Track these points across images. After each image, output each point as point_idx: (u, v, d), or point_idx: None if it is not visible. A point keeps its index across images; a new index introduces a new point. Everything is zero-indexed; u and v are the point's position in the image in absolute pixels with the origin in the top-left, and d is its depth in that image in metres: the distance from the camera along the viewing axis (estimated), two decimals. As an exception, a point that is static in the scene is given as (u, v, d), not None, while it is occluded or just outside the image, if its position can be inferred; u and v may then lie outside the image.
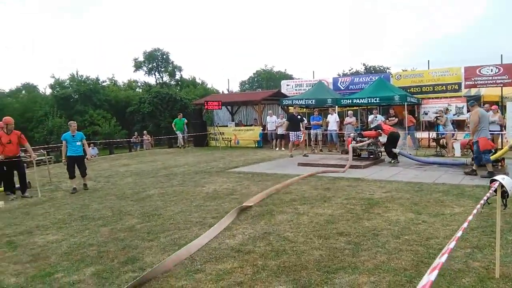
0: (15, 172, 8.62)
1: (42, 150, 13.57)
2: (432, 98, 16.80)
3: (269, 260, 3.94)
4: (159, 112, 33.77)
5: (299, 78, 28.79)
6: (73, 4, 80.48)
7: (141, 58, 47.69)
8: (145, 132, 24.54)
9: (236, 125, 20.39)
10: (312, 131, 15.55)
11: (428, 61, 26.82)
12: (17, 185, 8.78)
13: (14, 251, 4.73)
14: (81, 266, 4.10)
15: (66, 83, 38.11)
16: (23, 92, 45.23)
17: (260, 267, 3.77)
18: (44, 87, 48.49)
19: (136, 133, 25.10)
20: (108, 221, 5.85)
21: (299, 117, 13.76)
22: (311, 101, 16.17)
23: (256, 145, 17.76)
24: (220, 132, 18.83)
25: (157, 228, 5.33)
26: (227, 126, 20.28)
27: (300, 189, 7.53)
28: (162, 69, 48.95)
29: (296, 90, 21.10)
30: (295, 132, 13.34)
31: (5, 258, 4.50)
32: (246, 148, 17.52)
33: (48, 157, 12.34)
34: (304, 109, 18.50)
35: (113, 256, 4.33)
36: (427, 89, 17.37)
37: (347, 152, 11.62)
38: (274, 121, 16.90)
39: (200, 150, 17.86)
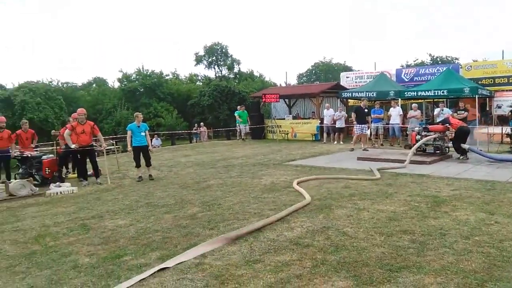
0: (88, 160, 9.29)
1: (111, 140, 14.51)
2: (506, 90, 15.52)
3: (328, 255, 3.89)
4: (218, 104, 34.53)
5: (359, 70, 27.92)
6: (138, 1, 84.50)
7: (202, 52, 49.00)
8: (201, 124, 25.21)
9: (294, 118, 20.28)
10: (372, 125, 15.03)
11: (503, 50, 24.74)
12: (89, 172, 9.48)
13: (87, 234, 5.10)
14: (147, 250, 4.32)
15: (132, 77, 40.25)
16: (94, 85, 48.40)
17: (319, 261, 3.74)
18: (113, 81, 51.48)
19: (196, 125, 25.89)
20: (171, 209, 6.11)
21: (366, 110, 13.37)
22: (372, 94, 15.62)
23: (314, 139, 17.56)
24: (278, 125, 18.85)
25: (217, 217, 5.47)
26: (284, 119, 20.23)
27: (359, 184, 7.33)
28: (221, 63, 49.90)
29: (356, 82, 20.51)
30: (361, 125, 12.97)
31: (79, 240, 4.87)
32: (303, 141, 17.38)
33: (116, 146, 13.11)
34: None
35: (176, 242, 4.51)
36: (501, 80, 16.08)
37: (410, 147, 11.10)
38: (331, 114, 16.54)
39: (257, 142, 18.02)
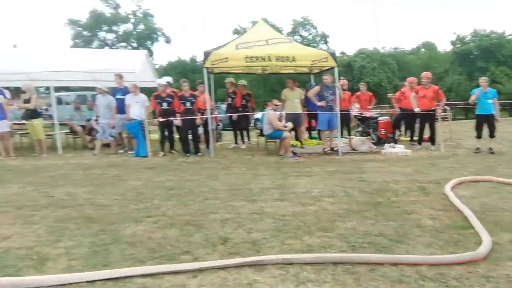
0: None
1: (445, 107, 13.78)
2: None
3: None
4: None
5: None
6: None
7: None
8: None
9: None
10: None
11: None
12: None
13: (427, 197, 5.09)
14: (497, 229, 3.87)
15: (467, 39, 36.68)
16: (423, 50, 47.53)
17: None
18: (443, 45, 48.95)
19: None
20: None
21: None
22: None
23: None
24: None
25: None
26: None
27: None
28: None
29: None
30: None
31: (419, 201, 4.89)
32: None
33: (449, 113, 12.46)
34: None
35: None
36: None
37: None
38: None
39: None
